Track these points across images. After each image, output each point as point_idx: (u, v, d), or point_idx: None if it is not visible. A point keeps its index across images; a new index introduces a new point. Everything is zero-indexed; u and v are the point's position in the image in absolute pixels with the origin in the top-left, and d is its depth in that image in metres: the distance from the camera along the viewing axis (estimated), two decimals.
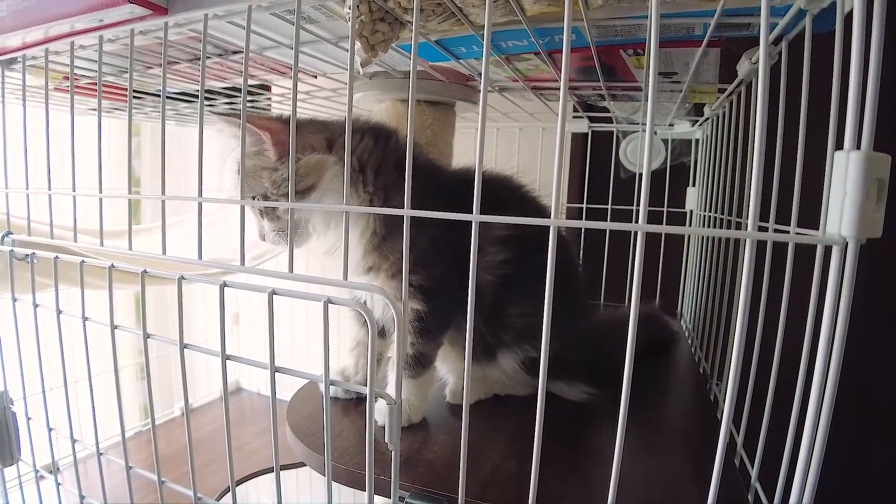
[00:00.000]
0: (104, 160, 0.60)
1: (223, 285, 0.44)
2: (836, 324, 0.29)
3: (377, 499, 0.43)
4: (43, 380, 0.67)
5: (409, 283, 0.54)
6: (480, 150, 0.35)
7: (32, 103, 0.86)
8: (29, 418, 0.72)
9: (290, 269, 0.43)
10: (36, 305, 0.64)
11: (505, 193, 0.65)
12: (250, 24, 0.45)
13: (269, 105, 1.10)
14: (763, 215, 0.38)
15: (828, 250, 0.30)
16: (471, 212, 0.36)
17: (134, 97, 1.01)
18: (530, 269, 0.57)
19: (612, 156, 1.15)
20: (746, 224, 0.32)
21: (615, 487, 0.35)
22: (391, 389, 0.46)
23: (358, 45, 0.47)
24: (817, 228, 0.34)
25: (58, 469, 0.70)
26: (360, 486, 0.42)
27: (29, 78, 0.78)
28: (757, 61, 0.53)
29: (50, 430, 0.68)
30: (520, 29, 0.50)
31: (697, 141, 1.06)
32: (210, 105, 1.08)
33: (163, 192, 0.52)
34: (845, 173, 0.28)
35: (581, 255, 1.15)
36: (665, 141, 1.10)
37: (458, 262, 0.54)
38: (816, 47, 0.42)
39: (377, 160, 0.57)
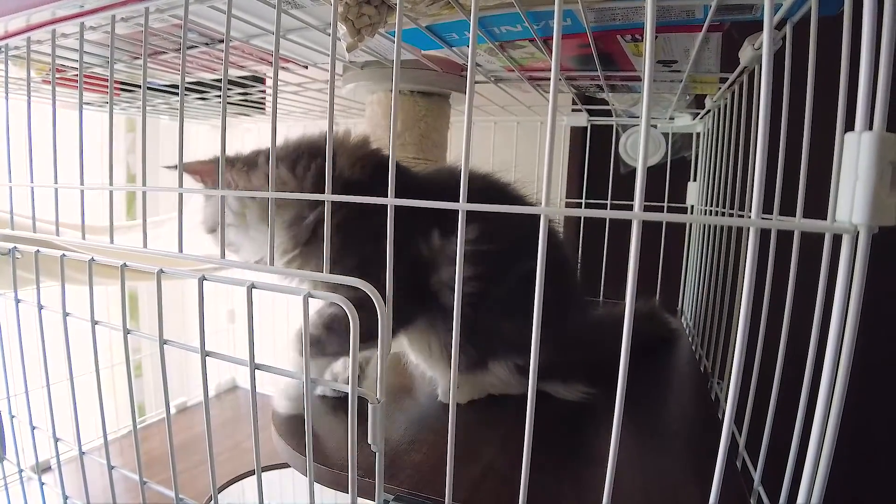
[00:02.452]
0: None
1: (202, 279, 0.43)
2: (846, 318, 0.27)
3: (364, 502, 0.42)
4: (26, 377, 0.65)
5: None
6: (468, 133, 0.34)
7: (18, 95, 0.85)
8: (13, 416, 0.71)
9: (271, 262, 0.41)
10: (18, 301, 0.63)
11: (487, 193, 0.61)
12: (231, 8, 0.43)
13: (264, 97, 1.08)
14: (766, 207, 0.37)
15: (837, 239, 0.28)
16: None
17: (125, 90, 0.99)
18: (510, 282, 0.55)
19: (612, 150, 1.13)
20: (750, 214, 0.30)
21: (610, 489, 0.33)
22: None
23: (344, 29, 0.46)
24: (824, 219, 0.32)
25: (47, 469, 0.68)
26: (344, 489, 0.40)
27: (14, 69, 0.77)
28: (760, 47, 0.51)
29: (33, 428, 0.66)
30: (513, 13, 0.48)
31: (698, 135, 1.04)
32: (203, 98, 1.06)
33: (144, 183, 0.50)
34: (857, 156, 0.26)
35: (580, 252, 1.13)
36: (665, 135, 1.08)
37: (411, 271, 0.52)
38: (822, 31, 0.39)
39: (315, 185, 0.55)
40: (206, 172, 0.58)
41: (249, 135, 1.56)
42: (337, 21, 0.42)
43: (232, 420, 1.54)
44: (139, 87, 0.97)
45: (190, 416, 1.57)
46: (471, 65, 0.33)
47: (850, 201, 0.26)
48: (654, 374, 0.75)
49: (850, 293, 0.27)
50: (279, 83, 0.90)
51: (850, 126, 0.28)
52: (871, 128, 0.26)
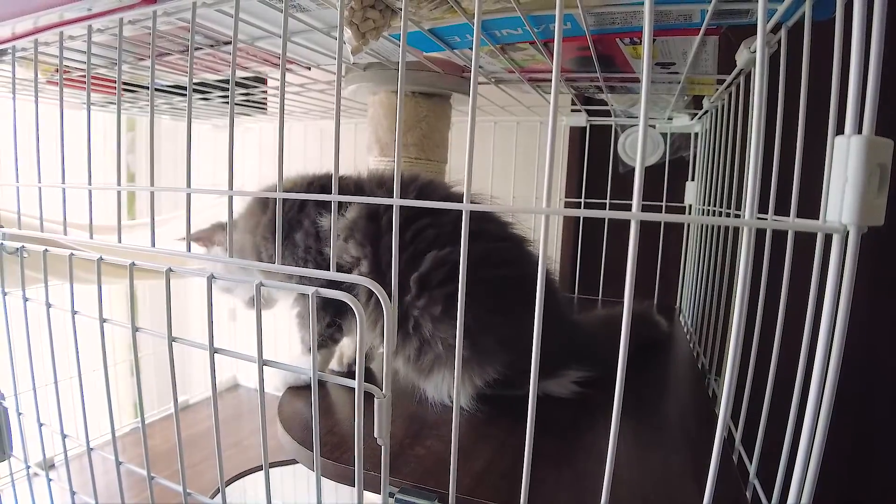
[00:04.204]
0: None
1: (210, 277, 0.44)
2: (836, 315, 0.28)
3: (371, 495, 0.43)
4: (33, 375, 0.66)
5: None
6: (471, 134, 0.34)
7: (24, 96, 0.86)
8: (20, 414, 0.71)
9: (277, 262, 0.42)
10: (26, 299, 0.64)
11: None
12: (238, 13, 0.44)
13: (265, 98, 1.09)
14: (762, 208, 0.37)
15: (828, 239, 0.29)
16: None
17: (128, 90, 1.00)
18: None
19: (611, 150, 1.14)
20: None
21: (609, 483, 0.34)
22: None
23: (349, 33, 0.47)
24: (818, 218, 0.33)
25: (52, 465, 0.69)
26: (350, 482, 0.41)
27: (20, 70, 0.77)
28: (756, 50, 0.52)
29: (41, 425, 0.67)
30: (513, 17, 0.49)
31: (696, 135, 1.05)
32: (205, 98, 1.07)
33: (152, 184, 0.51)
34: (846, 158, 0.27)
35: (579, 251, 1.14)
36: (664, 135, 1.09)
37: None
38: (817, 35, 0.41)
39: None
40: (208, 238, 0.70)
41: (250, 134, 1.57)
42: (343, 25, 0.43)
43: (233, 418, 1.55)
44: (140, 87, 0.97)
45: (191, 415, 1.58)
46: (474, 69, 0.34)
47: (840, 202, 0.27)
48: (652, 372, 0.76)
49: (839, 291, 0.28)
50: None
51: (842, 129, 0.29)
52: (860, 131, 0.27)
